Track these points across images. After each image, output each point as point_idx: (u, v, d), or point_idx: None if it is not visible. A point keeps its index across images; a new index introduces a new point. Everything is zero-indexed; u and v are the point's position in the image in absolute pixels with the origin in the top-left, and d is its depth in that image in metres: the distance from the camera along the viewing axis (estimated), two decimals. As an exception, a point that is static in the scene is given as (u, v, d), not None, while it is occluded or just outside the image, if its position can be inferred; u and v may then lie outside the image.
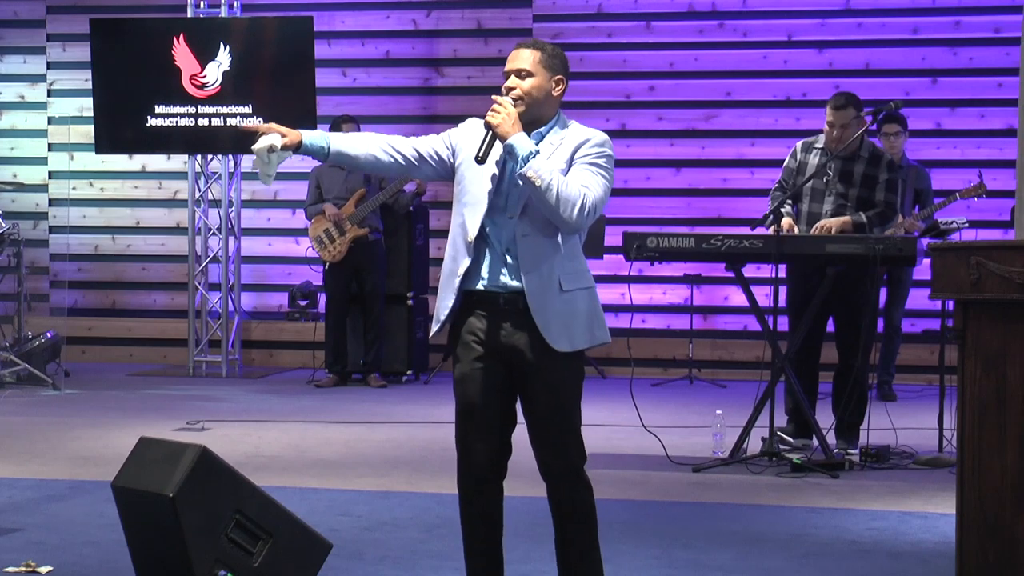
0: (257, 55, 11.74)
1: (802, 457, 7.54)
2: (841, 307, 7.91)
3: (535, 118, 4.47)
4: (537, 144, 4.42)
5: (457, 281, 4.46)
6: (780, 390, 7.87)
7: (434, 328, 4.59)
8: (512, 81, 4.47)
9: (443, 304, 4.50)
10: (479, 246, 4.45)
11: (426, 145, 4.57)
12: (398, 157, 4.54)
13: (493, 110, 4.39)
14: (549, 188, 4.33)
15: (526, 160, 4.33)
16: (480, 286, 4.46)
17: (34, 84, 13.13)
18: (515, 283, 4.42)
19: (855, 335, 7.82)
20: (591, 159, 4.44)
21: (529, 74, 4.47)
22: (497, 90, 4.50)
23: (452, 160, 4.55)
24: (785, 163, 8.19)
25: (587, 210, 4.36)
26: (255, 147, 4.40)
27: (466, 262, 4.44)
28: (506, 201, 4.44)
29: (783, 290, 7.89)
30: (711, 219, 11.67)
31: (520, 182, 4.35)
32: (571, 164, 4.43)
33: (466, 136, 4.54)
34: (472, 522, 4.57)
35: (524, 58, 4.48)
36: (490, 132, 4.38)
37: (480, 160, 4.39)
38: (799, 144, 8.17)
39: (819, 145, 8.04)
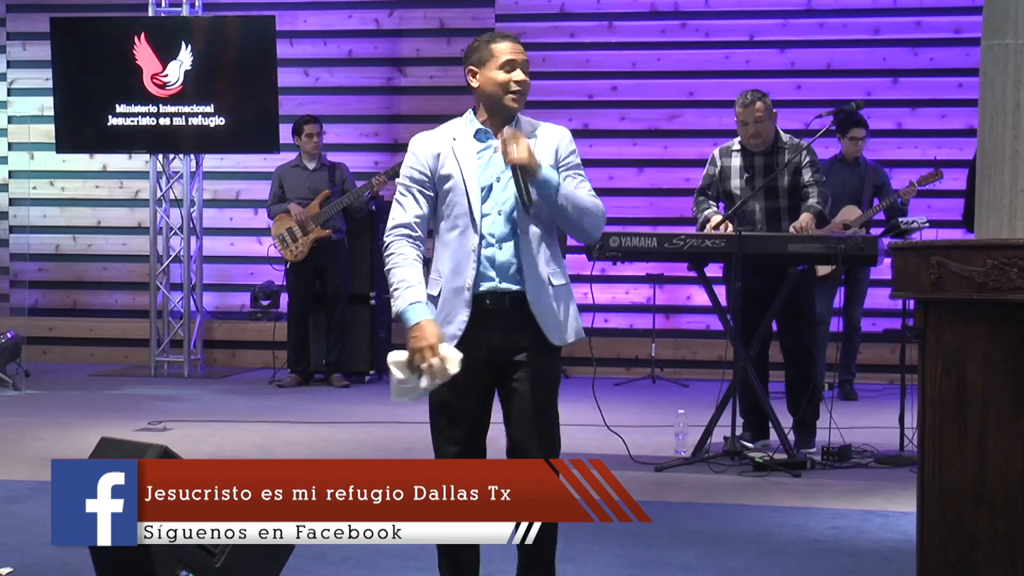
0: (219, 54, 11.70)
1: (764, 456, 7.56)
2: (785, 307, 7.88)
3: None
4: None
5: (467, 294, 4.41)
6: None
7: None
8: (520, 73, 4.44)
9: (457, 319, 4.42)
10: (481, 252, 4.43)
11: (421, 205, 4.46)
12: (423, 233, 4.49)
13: (510, 143, 4.33)
14: (578, 209, 4.41)
15: (558, 188, 4.37)
16: (486, 290, 4.43)
17: (-6, 83, 13.07)
18: (516, 282, 4.43)
19: (798, 334, 7.86)
20: (575, 164, 4.51)
21: (527, 66, 4.49)
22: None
23: (435, 191, 4.49)
24: (705, 171, 8.16)
25: (604, 219, 4.51)
26: (449, 370, 4.26)
27: (472, 273, 4.41)
28: (505, 204, 4.43)
29: (723, 290, 7.91)
30: (674, 219, 11.68)
31: (546, 206, 4.39)
32: (557, 166, 4.45)
33: (428, 155, 4.48)
34: None
35: (523, 52, 4.48)
36: (519, 170, 4.34)
37: (531, 202, 4.35)
38: (716, 151, 8.13)
39: (736, 148, 8.03)
